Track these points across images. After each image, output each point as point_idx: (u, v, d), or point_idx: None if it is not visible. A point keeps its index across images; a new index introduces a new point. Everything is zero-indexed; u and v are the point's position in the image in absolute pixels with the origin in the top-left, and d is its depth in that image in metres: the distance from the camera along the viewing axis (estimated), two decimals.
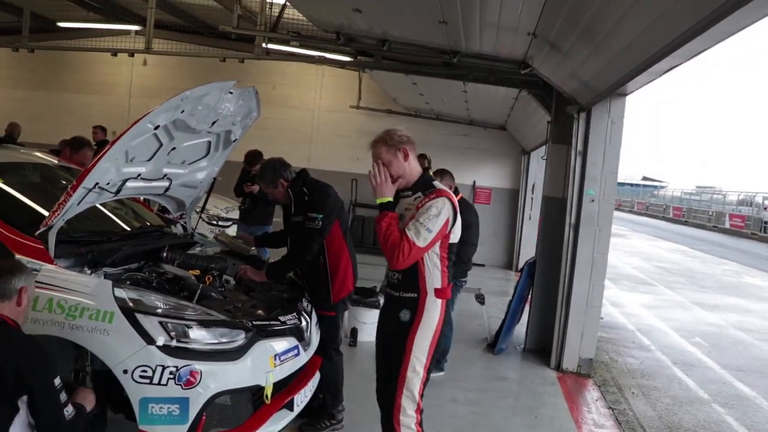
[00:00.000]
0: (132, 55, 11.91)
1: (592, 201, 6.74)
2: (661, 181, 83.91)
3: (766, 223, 35.57)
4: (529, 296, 7.72)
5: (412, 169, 3.49)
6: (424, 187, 3.45)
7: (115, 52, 11.69)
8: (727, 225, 38.00)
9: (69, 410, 2.88)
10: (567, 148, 7.08)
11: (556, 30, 5.49)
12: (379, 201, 3.37)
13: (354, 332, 7.02)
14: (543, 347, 7.30)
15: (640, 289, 13.75)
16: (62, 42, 14.23)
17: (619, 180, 7.11)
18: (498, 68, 7.58)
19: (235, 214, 9.39)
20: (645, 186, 79.38)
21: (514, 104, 10.29)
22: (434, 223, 3.26)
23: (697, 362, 8.14)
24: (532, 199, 14.04)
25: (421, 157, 7.76)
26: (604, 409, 5.95)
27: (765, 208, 39.60)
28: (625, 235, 27.38)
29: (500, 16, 5.69)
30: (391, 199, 3.37)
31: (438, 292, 3.35)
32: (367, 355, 6.76)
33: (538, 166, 13.83)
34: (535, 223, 13.80)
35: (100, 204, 4.34)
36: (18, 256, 3.47)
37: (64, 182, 4.88)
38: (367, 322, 7.17)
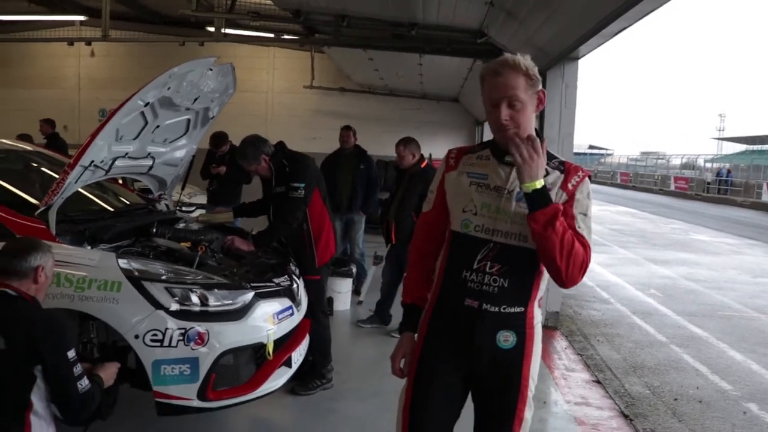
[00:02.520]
0: (89, 44, 11.79)
1: None
2: (607, 149, 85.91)
3: (708, 184, 37.04)
4: None
5: (531, 124, 2.36)
6: (552, 157, 2.37)
7: (71, 42, 11.56)
8: (672, 188, 39.40)
9: (83, 383, 2.90)
10: None
11: None
12: (530, 187, 2.20)
13: (330, 301, 7.24)
14: None
15: (595, 249, 14.00)
16: (4, 35, 13.97)
17: None
18: (455, 38, 7.83)
19: (199, 199, 9.46)
20: (592, 154, 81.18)
21: (468, 75, 10.59)
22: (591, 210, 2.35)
23: (653, 311, 8.63)
24: None
25: (346, 129, 8.04)
26: (573, 356, 6.33)
27: (707, 170, 41.13)
28: None
29: None
30: (543, 182, 2.22)
31: (540, 301, 2.42)
32: (344, 322, 7.09)
33: (490, 136, 14.21)
34: None
35: (83, 188, 4.46)
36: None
37: (37, 166, 5.01)
38: (342, 292, 7.43)
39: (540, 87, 2.29)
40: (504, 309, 2.31)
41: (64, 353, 2.85)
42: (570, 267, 2.19)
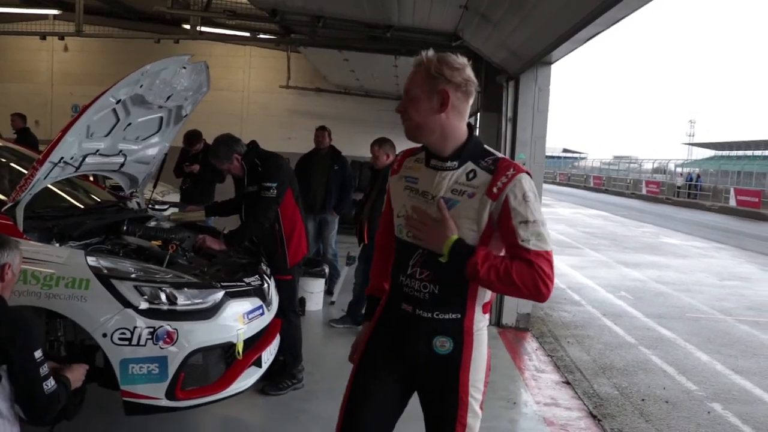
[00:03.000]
0: (62, 38, 11.68)
1: (524, 164, 7.12)
2: (580, 153, 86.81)
3: (679, 188, 37.62)
4: None
5: (453, 125, 2.26)
6: (478, 153, 2.26)
7: (43, 36, 11.41)
8: (643, 191, 39.93)
9: (50, 384, 2.83)
10: (497, 116, 7.46)
11: (486, 2, 5.82)
12: (445, 253, 2.17)
13: (302, 302, 7.22)
14: None
15: (567, 252, 14.43)
16: None
17: None
18: (429, 41, 7.84)
19: (172, 197, 9.38)
20: (566, 158, 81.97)
21: None
22: (541, 211, 2.20)
23: (623, 313, 8.75)
24: None
25: (321, 130, 8.07)
26: (543, 357, 6.40)
27: (677, 175, 41.76)
28: (549, 205, 28.36)
29: None
30: (457, 236, 2.17)
31: (486, 306, 2.36)
32: (316, 322, 7.09)
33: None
34: None
35: (52, 184, 4.41)
36: None
37: (5, 161, 4.93)
38: (314, 292, 7.43)
39: (443, 86, 2.21)
40: (437, 315, 2.27)
41: (30, 353, 2.77)
42: (524, 290, 2.13)
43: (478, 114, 8.42)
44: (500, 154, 2.29)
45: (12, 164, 4.89)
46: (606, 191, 44.57)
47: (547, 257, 2.13)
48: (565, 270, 11.83)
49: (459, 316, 2.27)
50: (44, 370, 2.80)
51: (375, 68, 11.04)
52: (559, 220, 21.67)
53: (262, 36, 9.98)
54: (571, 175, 60.00)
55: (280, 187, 4.65)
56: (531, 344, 6.81)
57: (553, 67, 6.98)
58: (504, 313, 7.23)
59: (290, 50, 13.59)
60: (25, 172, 3.83)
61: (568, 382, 5.71)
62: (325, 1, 7.23)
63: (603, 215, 25.61)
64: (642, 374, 6.25)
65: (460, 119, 2.27)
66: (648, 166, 49.24)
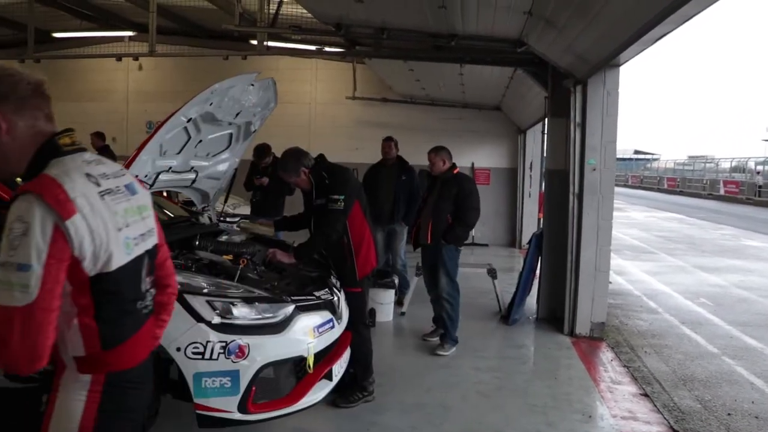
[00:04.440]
0: (137, 58, 12.13)
1: (594, 170, 6.97)
2: (653, 154, 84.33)
3: (760, 187, 35.97)
4: (538, 267, 7.98)
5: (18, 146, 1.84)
6: (29, 173, 1.82)
7: (119, 57, 11.88)
8: (721, 192, 38.38)
9: None
10: (566, 122, 7.30)
11: (551, 6, 5.71)
12: None
13: (372, 313, 7.20)
14: (555, 315, 7.55)
15: (642, 257, 14.01)
16: (61, 52, 14.41)
17: None
18: (494, 48, 7.79)
19: (243, 210, 9.59)
20: (638, 159, 79.79)
21: (509, 83, 10.51)
22: (27, 252, 1.63)
23: (704, 320, 8.40)
24: (530, 176, 14.30)
25: (388, 140, 8.10)
26: (619, 368, 6.19)
27: (758, 173, 40.00)
28: (622, 208, 27.65)
29: None
30: None
31: (85, 364, 1.85)
32: (388, 333, 7.08)
33: (534, 144, 14.10)
34: (535, 200, 14.07)
35: None
36: None
37: None
38: (384, 303, 7.42)
39: None
40: None
41: None
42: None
43: (546, 120, 8.28)
44: (51, 171, 1.79)
45: None
46: (681, 193, 43.13)
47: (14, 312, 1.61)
48: (640, 276, 11.49)
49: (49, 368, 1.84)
50: None
51: (440, 77, 11.00)
52: (632, 224, 21.10)
53: (327, 49, 10.10)
54: (644, 177, 58.36)
55: (347, 200, 4.67)
56: (606, 354, 6.61)
57: (622, 68, 6.80)
58: (577, 322, 7.05)
59: (356, 62, 13.69)
60: None
61: (646, 395, 5.51)
62: (388, 13, 7.25)
63: (678, 218, 24.76)
64: (726, 386, 5.97)
65: (32, 133, 1.86)
66: (725, 165, 47.37)
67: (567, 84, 7.04)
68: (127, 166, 3.72)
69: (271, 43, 9.76)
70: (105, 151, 10.85)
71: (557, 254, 7.47)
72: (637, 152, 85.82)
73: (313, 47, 10.11)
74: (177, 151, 4.28)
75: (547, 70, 7.81)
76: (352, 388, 4.93)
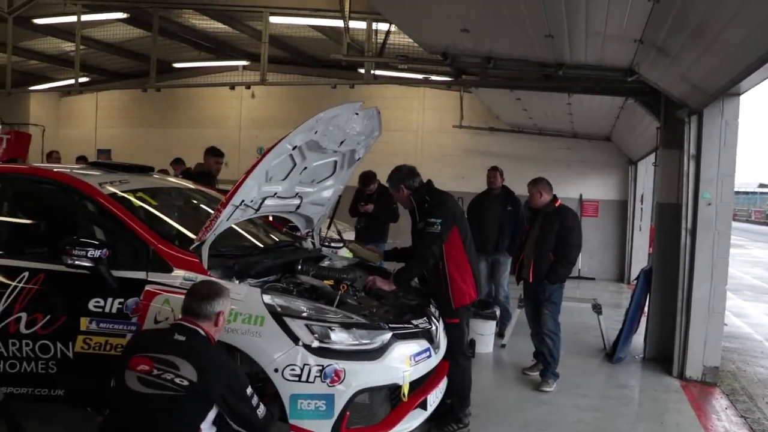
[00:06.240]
0: (249, 87, 12.69)
1: (709, 204, 6.63)
2: None
3: None
4: (646, 304, 7.64)
5: None
6: None
7: (232, 86, 12.50)
8: None
9: (261, 410, 3.28)
10: (679, 153, 7.01)
11: (663, 34, 5.52)
12: None
13: (472, 343, 7.15)
14: (663, 355, 7.17)
15: (764, 298, 13.15)
16: (179, 81, 15.30)
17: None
18: (603, 77, 7.60)
19: (348, 236, 9.72)
20: (762, 193, 75.14)
21: (619, 113, 10.22)
22: None
23: None
24: (641, 209, 13.77)
25: (493, 170, 8.03)
26: (735, 418, 5.79)
27: None
28: (743, 245, 26.12)
29: (606, 25, 5.77)
30: None
31: None
32: (487, 365, 6.97)
33: (646, 175, 13.59)
34: (645, 234, 13.54)
35: (235, 224, 4.73)
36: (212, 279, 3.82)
37: (196, 202, 5.38)
38: (485, 334, 7.32)
39: None
40: None
41: (244, 392, 3.21)
42: None
43: (658, 152, 7.98)
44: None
45: (201, 205, 5.32)
46: None
47: None
48: (760, 319, 10.77)
49: None
50: (255, 400, 3.23)
51: (548, 107, 10.85)
52: (755, 263, 19.89)
53: (434, 78, 10.18)
54: None
55: (444, 224, 4.66)
56: (720, 402, 6.21)
57: (744, 96, 6.47)
58: (688, 365, 6.68)
59: (462, 90, 13.73)
60: (211, 212, 4.16)
61: None
62: (495, 43, 7.24)
63: None
64: None
65: None
66: None
67: (681, 114, 6.76)
68: (234, 191, 3.87)
69: (378, 72, 9.95)
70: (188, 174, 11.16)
71: (667, 292, 7.13)
72: (762, 185, 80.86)
73: (420, 76, 10.22)
74: (282, 177, 4.40)
75: (660, 100, 7.55)
76: (447, 419, 4.88)
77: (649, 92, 7.59)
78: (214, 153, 7.92)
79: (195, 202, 5.44)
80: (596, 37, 6.29)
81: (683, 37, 5.30)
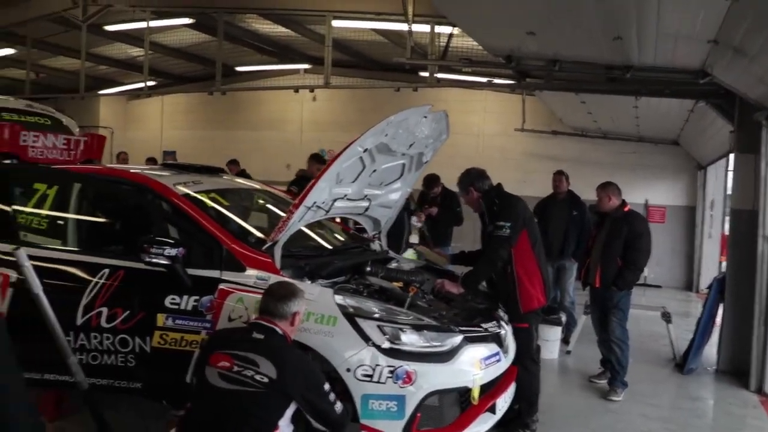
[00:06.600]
0: (312, 90, 12.85)
1: None
2: None
3: None
4: (718, 314, 7.41)
5: None
6: None
7: (296, 89, 12.68)
8: None
9: (338, 406, 3.32)
10: (755, 157, 6.77)
11: (741, 34, 5.35)
12: None
13: (537, 349, 7.07)
14: (738, 368, 6.91)
15: None
16: (243, 84, 15.60)
17: None
18: (673, 79, 7.41)
19: (412, 239, 9.74)
20: None
21: (688, 117, 9.93)
22: None
23: None
24: (711, 215, 13.36)
25: (559, 174, 7.93)
26: None
27: None
28: None
29: (678, 25, 5.64)
30: None
31: None
32: (552, 371, 6.87)
33: (716, 181, 13.18)
34: (716, 241, 13.11)
35: (305, 226, 4.79)
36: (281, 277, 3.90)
37: (264, 203, 5.49)
38: (550, 340, 7.24)
39: None
40: None
41: (322, 388, 3.26)
42: None
43: (733, 156, 7.73)
44: None
45: (269, 206, 5.43)
46: None
47: None
48: None
49: None
50: (332, 396, 3.28)
51: (614, 110, 10.63)
52: None
53: (497, 81, 10.11)
54: None
55: (513, 227, 4.63)
56: None
57: None
58: (767, 378, 6.44)
59: (525, 94, 13.59)
60: (281, 213, 4.23)
61: None
62: (561, 45, 7.13)
63: None
64: None
65: None
66: None
67: (758, 117, 6.53)
68: (307, 192, 3.92)
69: (441, 75, 9.94)
70: (243, 175, 11.42)
71: (742, 302, 6.88)
72: None
73: (482, 79, 10.16)
74: (352, 180, 4.45)
75: (734, 102, 7.31)
76: (515, 424, 4.83)
77: (722, 94, 7.36)
78: (317, 160, 8.27)
79: (263, 202, 5.54)
80: (667, 38, 6.15)
81: (762, 37, 5.13)
